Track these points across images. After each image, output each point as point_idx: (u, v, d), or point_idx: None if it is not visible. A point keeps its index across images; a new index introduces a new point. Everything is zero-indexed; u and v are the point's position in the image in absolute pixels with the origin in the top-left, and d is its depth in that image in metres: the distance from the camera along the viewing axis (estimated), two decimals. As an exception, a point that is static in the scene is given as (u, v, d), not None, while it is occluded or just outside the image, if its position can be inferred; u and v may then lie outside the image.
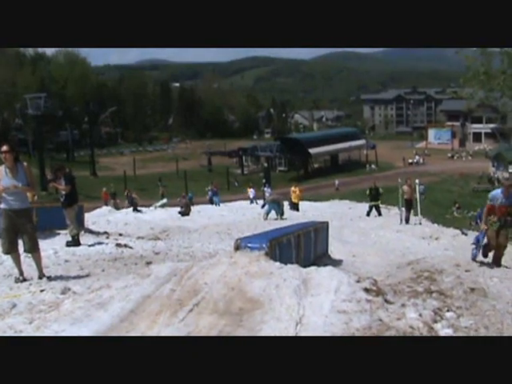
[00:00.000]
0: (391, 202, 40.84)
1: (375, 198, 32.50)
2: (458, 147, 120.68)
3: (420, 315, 5.99)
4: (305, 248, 11.01)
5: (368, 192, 33.23)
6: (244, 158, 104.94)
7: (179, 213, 34.19)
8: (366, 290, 6.39)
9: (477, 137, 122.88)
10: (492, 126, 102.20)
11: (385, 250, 17.48)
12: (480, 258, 12.26)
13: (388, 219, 29.76)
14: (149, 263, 11.42)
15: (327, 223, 16.53)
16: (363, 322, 5.47)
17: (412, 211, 26.95)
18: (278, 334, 5.15)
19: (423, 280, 8.56)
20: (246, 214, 33.77)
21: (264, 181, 63.71)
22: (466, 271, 10.03)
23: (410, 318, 5.84)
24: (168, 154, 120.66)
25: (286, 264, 7.07)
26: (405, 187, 27.24)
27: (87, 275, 10.26)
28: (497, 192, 12.22)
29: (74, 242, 14.41)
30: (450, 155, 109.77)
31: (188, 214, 33.71)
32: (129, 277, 7.26)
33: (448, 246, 18.86)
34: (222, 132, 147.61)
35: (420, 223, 25.84)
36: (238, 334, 5.20)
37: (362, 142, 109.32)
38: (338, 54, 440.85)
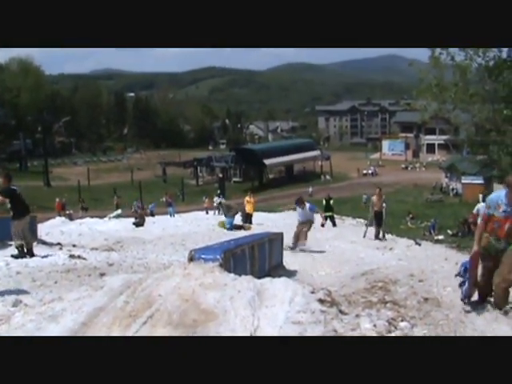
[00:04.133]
0: (345, 213, 41.41)
1: (329, 209, 32.79)
2: (412, 158, 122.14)
3: (374, 325, 6.02)
4: (259, 259, 10.98)
5: (324, 203, 33.55)
6: (199, 168, 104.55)
7: (134, 223, 33.97)
8: (321, 301, 6.39)
9: (430, 148, 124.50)
10: (445, 137, 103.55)
11: (339, 261, 17.51)
12: (476, 297, 7.93)
13: (342, 230, 29.97)
14: (102, 275, 11.28)
15: (282, 234, 16.55)
16: (318, 332, 5.47)
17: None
18: (232, 345, 5.10)
19: (377, 290, 8.61)
20: (200, 225, 33.63)
21: (218, 191, 63.65)
22: (420, 281, 10.10)
23: (364, 329, 5.87)
24: (123, 165, 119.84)
25: (240, 275, 7.04)
26: (374, 198, 24.67)
27: (39, 287, 10.09)
28: (497, 196, 7.70)
29: (19, 254, 14.04)
30: (403, 166, 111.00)
31: (142, 225, 33.49)
32: (82, 289, 7.15)
33: (402, 256, 18.94)
34: (177, 142, 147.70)
35: (385, 238, 24.27)
36: (192, 346, 5.14)
37: (316, 152, 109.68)
38: (293, 65, 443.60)
